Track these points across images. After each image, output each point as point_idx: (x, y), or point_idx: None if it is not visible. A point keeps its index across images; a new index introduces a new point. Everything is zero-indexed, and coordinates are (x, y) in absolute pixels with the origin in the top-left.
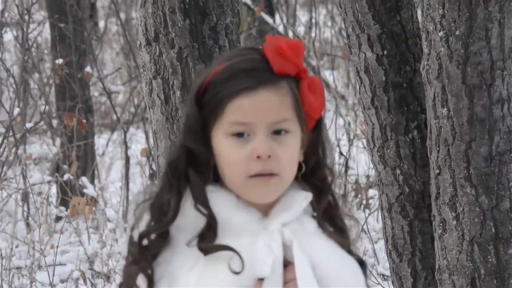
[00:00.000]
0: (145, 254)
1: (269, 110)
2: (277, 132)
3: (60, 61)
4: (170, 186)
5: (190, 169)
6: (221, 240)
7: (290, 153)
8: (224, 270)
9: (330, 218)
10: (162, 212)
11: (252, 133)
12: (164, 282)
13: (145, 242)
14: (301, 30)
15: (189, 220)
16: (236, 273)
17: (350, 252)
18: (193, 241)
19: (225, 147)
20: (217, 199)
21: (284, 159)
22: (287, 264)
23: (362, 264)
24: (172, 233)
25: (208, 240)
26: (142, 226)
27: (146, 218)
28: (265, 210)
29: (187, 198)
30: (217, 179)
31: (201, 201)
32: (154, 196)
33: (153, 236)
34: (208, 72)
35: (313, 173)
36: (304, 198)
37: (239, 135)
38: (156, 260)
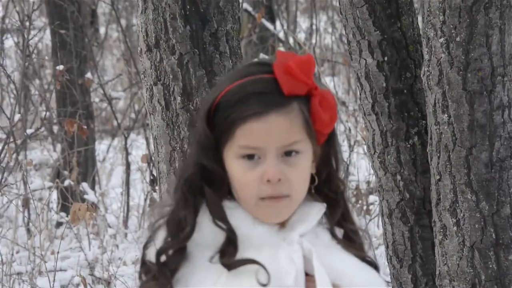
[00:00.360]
0: (164, 270)
1: (279, 134)
2: (288, 154)
3: (60, 67)
4: (186, 202)
5: (205, 185)
6: (242, 254)
7: (301, 173)
8: (250, 284)
9: (342, 228)
10: (179, 228)
11: (263, 156)
12: None
13: (163, 258)
14: (301, 36)
15: (207, 235)
16: (264, 285)
17: (364, 259)
18: (215, 257)
19: (236, 169)
20: (236, 214)
21: (295, 181)
22: (306, 275)
23: (376, 268)
24: (189, 249)
25: (229, 255)
26: (158, 242)
27: (161, 234)
28: (281, 222)
29: (203, 214)
30: (232, 195)
31: (220, 217)
32: (170, 212)
33: (170, 252)
34: (219, 91)
35: (326, 184)
36: (319, 210)
37: (250, 157)
38: (174, 276)
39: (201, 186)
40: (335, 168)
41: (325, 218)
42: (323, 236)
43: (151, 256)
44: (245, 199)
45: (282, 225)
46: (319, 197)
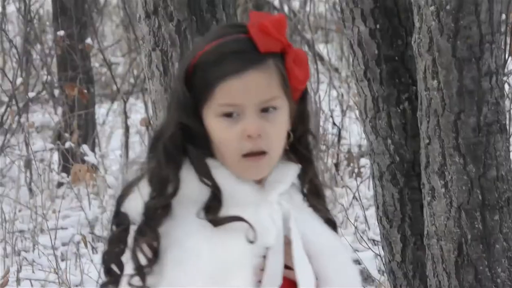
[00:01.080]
0: (151, 225)
1: (258, 91)
2: (266, 110)
3: (61, 32)
4: (168, 160)
5: (188, 144)
6: (225, 211)
7: (278, 129)
8: (238, 240)
9: (312, 187)
10: (164, 185)
11: (242, 113)
12: (173, 250)
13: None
14: (296, 4)
15: (190, 192)
16: (251, 242)
17: (327, 219)
18: (201, 212)
19: (217, 127)
20: (219, 172)
21: (274, 136)
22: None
23: (335, 227)
24: (173, 205)
25: (214, 211)
26: (139, 198)
27: (143, 189)
28: (259, 181)
29: (187, 172)
30: (213, 155)
31: (205, 173)
32: (151, 170)
33: (155, 208)
34: (196, 52)
35: (300, 142)
36: (294, 170)
37: (229, 115)
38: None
39: (183, 144)
40: (308, 127)
41: (297, 178)
42: (295, 197)
43: (128, 209)
44: (227, 156)
45: (261, 184)
46: (293, 156)
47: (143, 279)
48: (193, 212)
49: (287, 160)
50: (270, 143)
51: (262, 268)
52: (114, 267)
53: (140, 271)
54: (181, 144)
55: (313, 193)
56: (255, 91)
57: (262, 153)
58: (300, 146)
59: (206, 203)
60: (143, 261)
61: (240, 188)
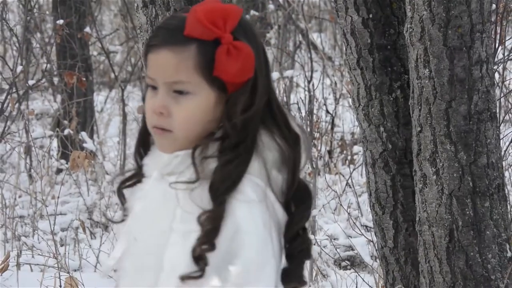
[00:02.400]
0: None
1: (166, 70)
2: (178, 92)
3: (61, 21)
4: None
5: (142, 121)
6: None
7: (186, 113)
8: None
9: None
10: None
11: (159, 88)
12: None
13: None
14: None
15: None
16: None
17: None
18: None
19: (146, 96)
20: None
21: (179, 118)
22: None
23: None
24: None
25: (128, 185)
26: None
27: None
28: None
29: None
30: None
31: (136, 148)
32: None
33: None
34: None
35: (227, 134)
36: (175, 155)
37: (153, 87)
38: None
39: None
40: (231, 122)
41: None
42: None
43: None
44: (147, 126)
45: None
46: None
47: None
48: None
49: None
50: (174, 124)
51: None
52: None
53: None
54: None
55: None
56: (163, 69)
57: (166, 130)
58: (226, 126)
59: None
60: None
61: (149, 161)
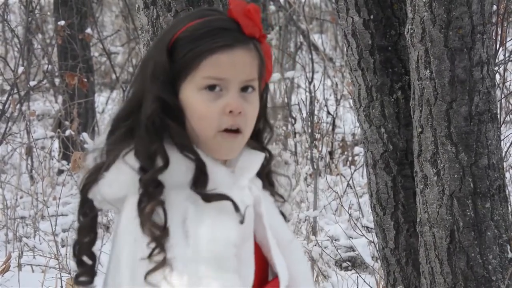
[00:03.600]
0: (152, 195)
1: (243, 68)
2: (245, 89)
3: (62, 22)
4: (151, 137)
5: (167, 119)
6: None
7: (254, 111)
8: (232, 223)
9: (270, 177)
10: (152, 160)
11: (225, 88)
12: (174, 231)
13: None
14: None
15: (176, 173)
16: (241, 223)
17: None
18: (192, 188)
19: (197, 101)
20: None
21: (250, 117)
22: None
23: (284, 219)
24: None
25: (202, 185)
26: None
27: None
28: (224, 164)
29: (170, 152)
30: None
31: (188, 147)
32: (135, 145)
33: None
34: (176, 29)
35: (260, 131)
36: (260, 158)
37: (211, 88)
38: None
39: (163, 120)
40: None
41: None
42: (257, 184)
43: (97, 194)
44: (203, 132)
45: (230, 168)
46: (257, 144)
47: (162, 248)
48: (181, 195)
49: (250, 148)
50: (246, 123)
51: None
52: (85, 259)
53: (159, 241)
54: (161, 119)
55: (271, 183)
56: (241, 68)
57: (237, 131)
58: (260, 136)
59: (193, 178)
60: (156, 233)
61: (216, 170)
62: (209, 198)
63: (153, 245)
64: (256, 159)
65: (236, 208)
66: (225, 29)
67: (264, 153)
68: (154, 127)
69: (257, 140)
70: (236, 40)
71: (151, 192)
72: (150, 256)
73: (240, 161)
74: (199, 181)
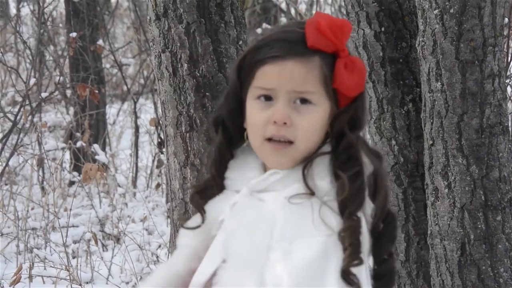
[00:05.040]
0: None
1: (292, 79)
2: (300, 101)
3: (74, 34)
4: (215, 145)
5: (221, 134)
6: (229, 189)
7: (309, 123)
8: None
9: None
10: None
11: (276, 98)
12: None
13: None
14: (302, 7)
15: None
16: (188, 228)
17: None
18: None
19: (251, 109)
20: (242, 155)
21: (302, 128)
22: None
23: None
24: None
25: (206, 196)
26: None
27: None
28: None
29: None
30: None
31: (216, 166)
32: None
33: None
34: (253, 42)
35: (338, 146)
36: (274, 172)
37: (266, 98)
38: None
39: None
40: (352, 126)
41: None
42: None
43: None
44: (252, 139)
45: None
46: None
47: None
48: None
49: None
50: (296, 134)
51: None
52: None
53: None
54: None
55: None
56: (289, 79)
57: (288, 142)
58: (338, 148)
59: (205, 185)
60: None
61: (239, 175)
62: (191, 202)
63: None
64: (291, 175)
65: (202, 218)
66: (283, 40)
67: (277, 171)
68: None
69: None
70: (289, 52)
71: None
72: None
73: (276, 173)
74: (205, 191)
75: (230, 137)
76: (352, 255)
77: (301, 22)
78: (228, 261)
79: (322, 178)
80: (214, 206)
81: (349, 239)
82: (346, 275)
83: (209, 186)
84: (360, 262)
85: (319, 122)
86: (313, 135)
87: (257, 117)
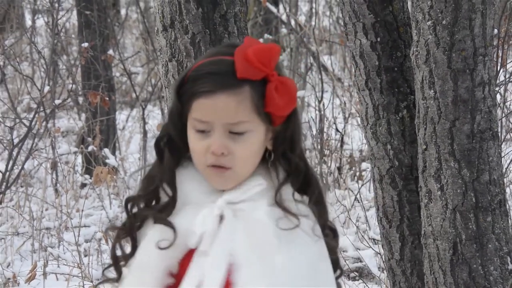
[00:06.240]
0: (132, 220)
1: (225, 112)
2: (234, 132)
3: (85, 44)
4: (157, 163)
5: (166, 150)
6: (182, 206)
7: (246, 149)
8: (149, 244)
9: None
10: (149, 184)
11: (212, 129)
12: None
13: (134, 209)
14: (302, 19)
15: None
16: (162, 248)
17: (328, 227)
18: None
19: (191, 138)
20: (187, 173)
21: (239, 156)
22: None
23: (335, 233)
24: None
25: (166, 213)
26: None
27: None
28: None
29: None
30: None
31: (169, 181)
32: (149, 170)
33: (141, 205)
34: (192, 66)
35: (283, 159)
36: (258, 184)
37: (201, 131)
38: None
39: (164, 150)
40: (291, 147)
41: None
42: (258, 212)
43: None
44: (196, 164)
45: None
46: (274, 171)
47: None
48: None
49: (261, 175)
50: (234, 161)
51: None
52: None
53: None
54: (163, 150)
55: (313, 201)
56: (222, 113)
57: (226, 167)
58: (282, 162)
59: (163, 204)
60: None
61: (194, 189)
62: (156, 220)
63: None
64: (251, 184)
65: (174, 232)
66: (214, 74)
67: (262, 181)
68: (159, 156)
69: (284, 163)
70: (219, 86)
71: (131, 218)
72: None
73: (237, 185)
74: (165, 209)
75: (178, 153)
76: (336, 265)
77: (231, 46)
78: (241, 271)
79: (296, 206)
80: (180, 221)
81: (331, 252)
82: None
83: (168, 204)
84: (341, 273)
85: (256, 146)
86: (250, 159)
87: (196, 146)
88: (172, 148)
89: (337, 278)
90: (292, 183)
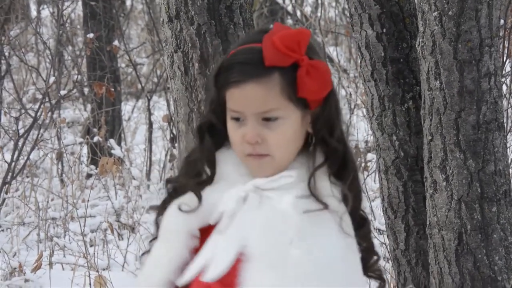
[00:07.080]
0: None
1: (255, 101)
2: (267, 119)
3: (91, 35)
4: (198, 148)
5: (207, 135)
6: (217, 182)
7: (281, 136)
8: (174, 208)
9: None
10: (191, 166)
11: (245, 118)
12: None
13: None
14: (308, 10)
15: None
16: (181, 210)
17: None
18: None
19: (229, 126)
20: (228, 154)
21: (274, 142)
22: None
23: (362, 225)
24: None
25: (202, 186)
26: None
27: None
28: None
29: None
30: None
31: (208, 161)
32: (190, 152)
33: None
34: (228, 53)
35: (323, 143)
36: (288, 175)
37: (236, 119)
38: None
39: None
40: (330, 129)
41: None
42: (284, 200)
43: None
44: (236, 154)
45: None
46: (314, 156)
47: None
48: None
49: (309, 159)
50: (270, 148)
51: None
52: None
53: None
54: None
55: (348, 186)
56: (251, 102)
57: (264, 154)
58: (322, 146)
59: (202, 180)
60: None
61: (232, 169)
62: (188, 187)
63: None
64: (284, 174)
65: (199, 198)
66: (243, 63)
67: (292, 172)
68: (202, 140)
69: (323, 147)
70: (247, 75)
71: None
72: None
73: (290, 176)
74: (203, 184)
75: (220, 137)
76: (371, 252)
77: (262, 31)
78: (251, 260)
79: (329, 195)
80: (209, 194)
81: (363, 240)
82: (372, 271)
83: (205, 180)
84: (378, 257)
85: (290, 133)
86: (286, 145)
87: (234, 135)
88: (214, 133)
89: (373, 264)
90: (329, 166)
